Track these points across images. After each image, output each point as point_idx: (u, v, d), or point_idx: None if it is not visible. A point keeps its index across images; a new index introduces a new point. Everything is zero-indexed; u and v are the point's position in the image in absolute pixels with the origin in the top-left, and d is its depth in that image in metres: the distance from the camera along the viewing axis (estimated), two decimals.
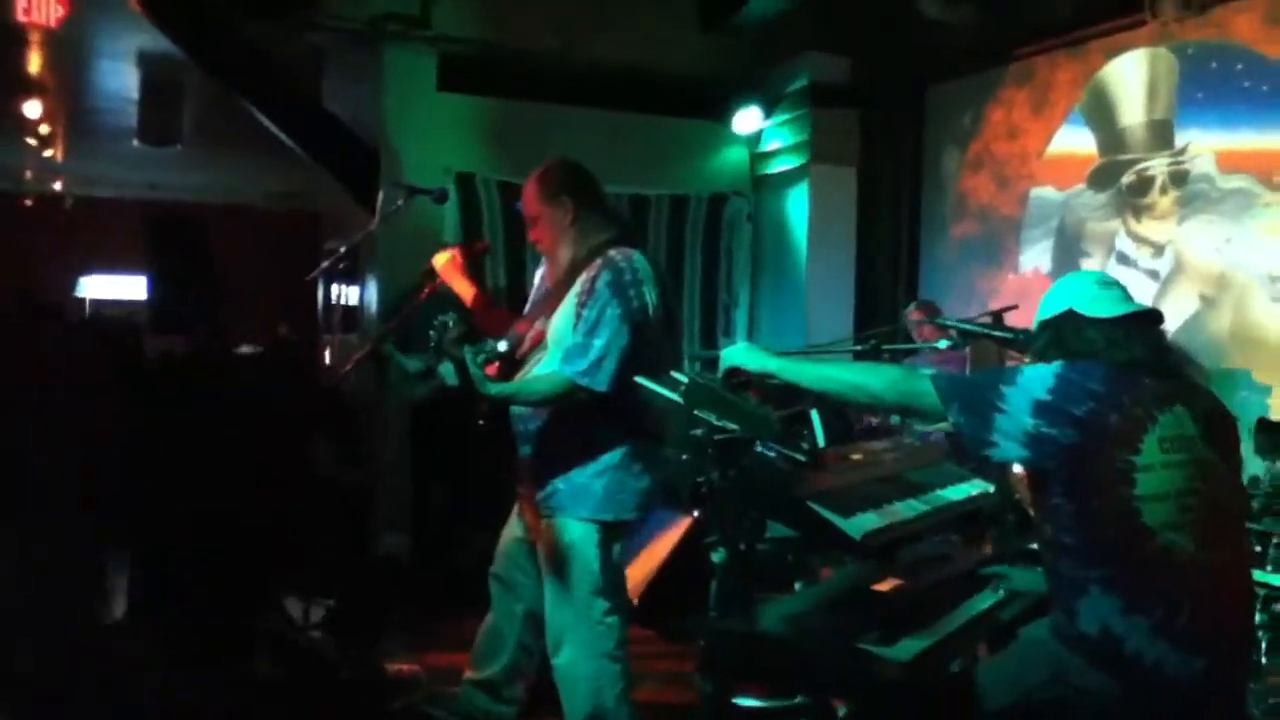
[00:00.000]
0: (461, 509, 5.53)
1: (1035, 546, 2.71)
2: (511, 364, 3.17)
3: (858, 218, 7.13)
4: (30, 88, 7.93)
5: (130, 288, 11.71)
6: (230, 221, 12.38)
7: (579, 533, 3.03)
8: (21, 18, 5.73)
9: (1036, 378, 2.21)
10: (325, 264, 4.74)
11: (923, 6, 5.75)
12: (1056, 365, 2.23)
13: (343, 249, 4.16)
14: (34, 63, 7.33)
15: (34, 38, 6.66)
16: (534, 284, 3.58)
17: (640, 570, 4.72)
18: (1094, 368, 2.22)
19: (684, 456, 2.54)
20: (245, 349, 7.17)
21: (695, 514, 4.84)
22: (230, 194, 12.66)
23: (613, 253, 3.08)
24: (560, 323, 3.08)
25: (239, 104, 6.64)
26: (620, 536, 3.11)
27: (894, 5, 6.00)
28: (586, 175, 3.28)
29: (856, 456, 2.76)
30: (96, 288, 12.64)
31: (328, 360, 6.78)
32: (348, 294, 7.05)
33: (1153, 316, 2.35)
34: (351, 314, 7.09)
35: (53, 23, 5.80)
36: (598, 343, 2.96)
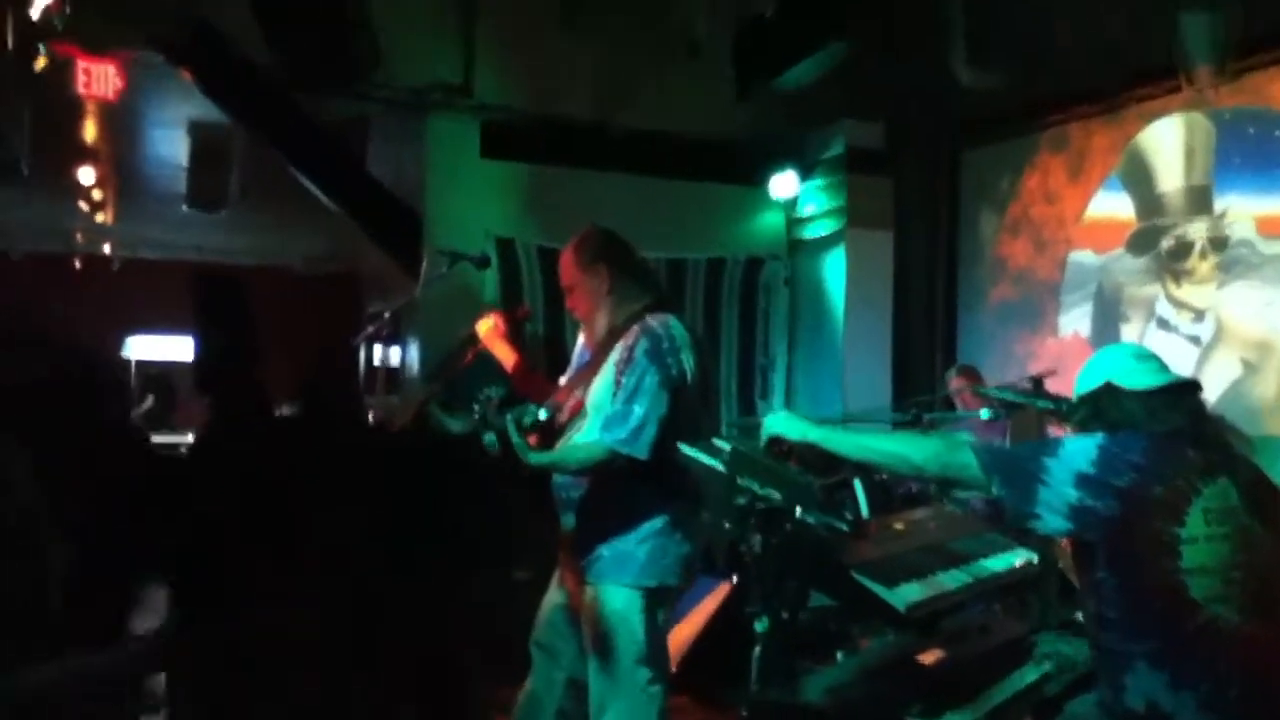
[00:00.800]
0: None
1: (1079, 617, 2.70)
2: (551, 432, 3.21)
3: (894, 282, 7.15)
4: (85, 155, 8.15)
5: (175, 348, 11.90)
6: (272, 283, 12.62)
7: (623, 600, 3.04)
8: (82, 90, 5.92)
9: (1078, 450, 2.22)
10: (371, 328, 4.82)
11: (957, 73, 5.81)
12: (1098, 437, 2.24)
13: (387, 313, 4.23)
14: (90, 131, 7.55)
15: (90, 108, 6.87)
16: (575, 350, 3.62)
17: (680, 635, 4.71)
18: (1135, 439, 2.23)
19: (725, 524, 2.55)
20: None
21: (733, 579, 4.84)
22: (273, 256, 12.89)
23: (650, 319, 3.12)
24: (599, 390, 3.11)
25: (284, 169, 6.79)
26: (664, 603, 3.12)
27: (928, 73, 6.06)
28: (621, 242, 3.32)
29: (899, 525, 2.76)
30: (143, 348, 12.84)
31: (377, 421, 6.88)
32: (389, 356, 7.14)
33: (1191, 386, 2.35)
34: (392, 376, 7.18)
35: (111, 95, 5.99)
36: (637, 410, 2.98)
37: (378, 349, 7.29)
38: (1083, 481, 2.17)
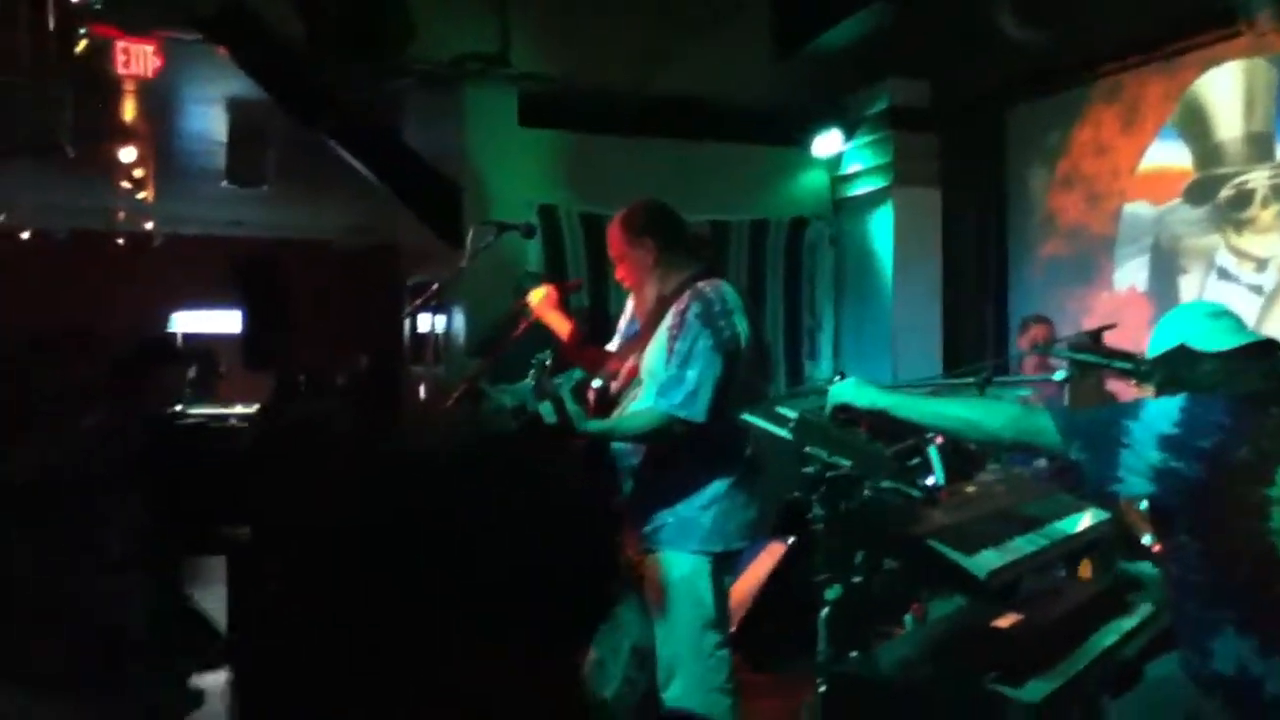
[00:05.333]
0: None
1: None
2: (607, 401, 3.19)
3: (943, 239, 7.03)
4: (125, 134, 8.19)
5: (219, 322, 12.02)
6: (312, 258, 12.68)
7: (689, 566, 3.02)
8: (121, 70, 5.92)
9: (1160, 412, 2.16)
10: (419, 300, 4.81)
11: (1004, 27, 5.68)
12: (1180, 399, 2.18)
13: (435, 285, 4.21)
14: (130, 110, 7.58)
15: (130, 87, 6.88)
16: (624, 316, 3.59)
17: (733, 599, 4.67)
18: (1217, 400, 2.17)
19: (791, 493, 2.51)
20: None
21: (788, 541, 4.78)
22: (312, 230, 12.94)
23: (701, 285, 3.11)
24: (653, 357, 3.09)
25: (322, 143, 6.78)
26: (729, 568, 3.11)
27: (973, 27, 5.93)
28: (669, 214, 3.31)
29: (970, 490, 2.71)
30: (186, 322, 12.99)
31: (421, 394, 6.89)
32: (435, 326, 7.14)
33: (1271, 346, 2.28)
34: (439, 347, 7.19)
35: (150, 73, 5.99)
36: (691, 374, 2.96)
37: (423, 320, 7.28)
38: (1165, 443, 2.11)
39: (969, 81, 6.77)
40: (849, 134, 7.07)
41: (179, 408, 6.21)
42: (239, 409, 7.62)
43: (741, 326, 3.05)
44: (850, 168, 7.28)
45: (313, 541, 0.96)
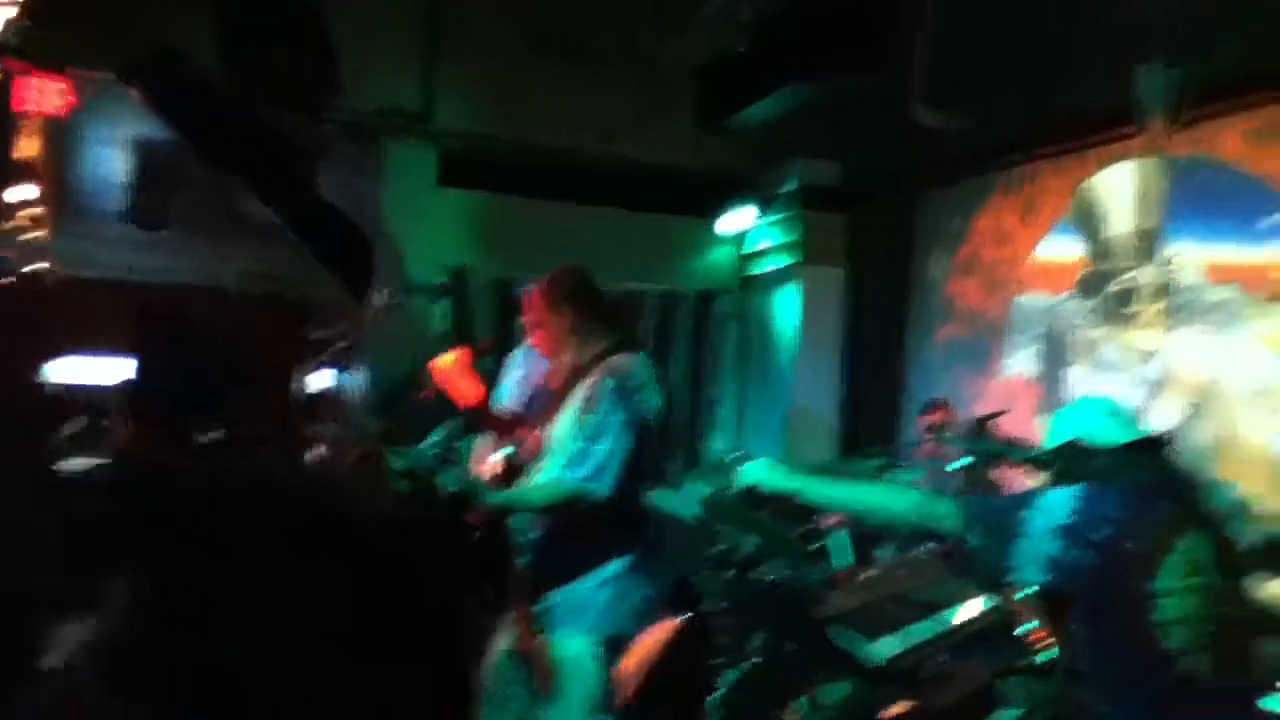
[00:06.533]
0: None
1: (1036, 662, 2.70)
2: (512, 471, 3.16)
3: (845, 319, 7.19)
4: (27, 171, 7.94)
5: (109, 370, 11.57)
6: (213, 306, 12.34)
7: (579, 648, 2.98)
8: (31, 106, 5.76)
9: (1055, 502, 2.23)
10: (322, 355, 4.73)
11: (915, 115, 5.88)
12: (1075, 490, 2.25)
13: (339, 342, 4.14)
14: (34, 147, 7.35)
15: (37, 124, 6.69)
16: (511, 384, 3.60)
17: (623, 679, 4.62)
18: (1110, 493, 2.24)
19: (695, 571, 2.51)
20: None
21: (683, 617, 4.76)
22: (214, 277, 12.63)
23: (616, 358, 3.10)
24: (563, 428, 3.07)
25: (230, 190, 6.66)
26: (620, 651, 3.06)
27: (886, 114, 6.13)
28: (590, 283, 3.32)
29: (870, 574, 2.74)
30: (75, 369, 12.48)
31: (320, 453, 6.72)
32: (336, 383, 7.00)
33: (1162, 440, 2.37)
34: (338, 404, 7.04)
35: (61, 111, 5.84)
36: (600, 448, 2.95)
37: (324, 376, 7.13)
38: (1060, 534, 2.18)
39: (878, 165, 6.98)
40: (760, 211, 7.21)
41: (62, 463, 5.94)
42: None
43: (653, 402, 3.05)
44: (759, 244, 7.42)
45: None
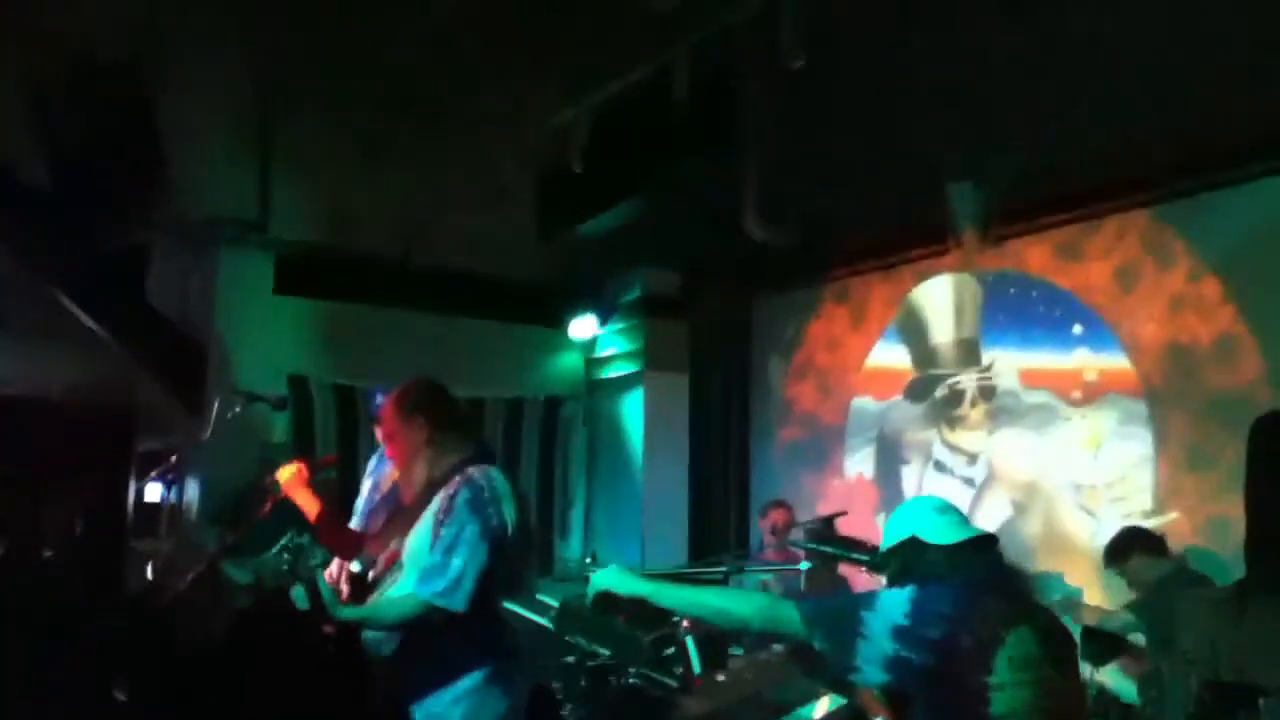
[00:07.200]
0: None
1: None
2: (364, 585, 3.10)
3: (690, 422, 7.33)
4: None
5: None
6: (33, 415, 11.66)
7: None
8: None
9: (892, 602, 2.31)
10: (152, 468, 4.55)
11: (748, 228, 6.13)
12: (910, 590, 2.34)
13: (171, 454, 4.01)
14: None
15: None
16: (364, 494, 3.55)
17: None
18: (943, 591, 2.34)
19: (549, 681, 2.50)
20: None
21: None
22: (35, 387, 11.96)
23: (471, 470, 3.09)
24: (417, 541, 3.03)
25: (52, 296, 6.38)
26: None
27: (721, 226, 6.38)
28: (443, 394, 3.32)
29: (720, 678, 2.78)
30: None
31: (150, 570, 6.38)
32: (166, 494, 6.70)
33: (990, 539, 2.50)
34: (165, 517, 6.73)
35: None
36: (456, 562, 2.92)
37: (154, 489, 6.82)
38: (898, 634, 2.25)
39: (716, 274, 7.23)
40: (604, 318, 7.33)
41: None
42: None
43: (509, 514, 3.04)
44: (605, 351, 7.54)
45: None
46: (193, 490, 6.31)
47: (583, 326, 7.29)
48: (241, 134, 6.36)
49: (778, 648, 3.57)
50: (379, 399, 3.68)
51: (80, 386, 11.73)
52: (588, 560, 2.60)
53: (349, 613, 2.89)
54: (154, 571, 5.97)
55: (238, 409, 3.85)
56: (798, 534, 3.49)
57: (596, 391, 7.63)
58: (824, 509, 5.65)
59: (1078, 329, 5.36)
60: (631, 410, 7.32)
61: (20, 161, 5.44)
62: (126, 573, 7.02)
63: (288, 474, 3.54)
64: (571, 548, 7.36)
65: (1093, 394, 5.24)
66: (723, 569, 2.64)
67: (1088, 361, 5.29)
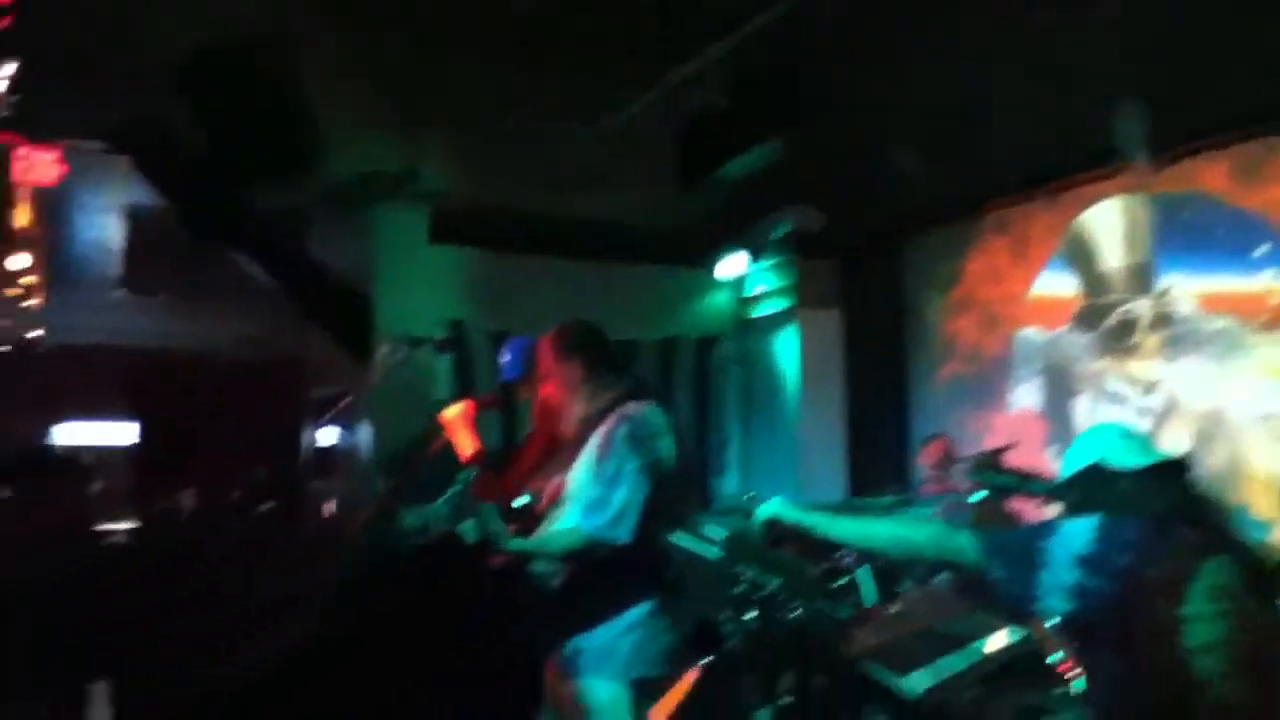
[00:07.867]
0: None
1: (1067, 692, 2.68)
2: (530, 519, 3.16)
3: (846, 358, 7.21)
4: (19, 240, 7.97)
5: (106, 434, 11.54)
6: (210, 370, 12.32)
7: (608, 694, 2.96)
8: (21, 177, 5.80)
9: (1076, 532, 2.22)
10: (325, 414, 4.72)
11: (898, 164, 5.93)
12: (1094, 518, 2.24)
13: (342, 399, 4.14)
14: (25, 218, 7.39)
15: (28, 193, 6.72)
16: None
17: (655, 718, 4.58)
18: (1131, 520, 2.23)
19: (716, 612, 2.50)
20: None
21: (710, 659, 4.72)
22: (210, 341, 12.63)
23: (628, 406, 3.12)
24: (578, 477, 3.08)
25: (222, 253, 6.68)
26: (649, 695, 3.05)
27: (870, 162, 6.19)
28: (597, 334, 3.36)
29: (895, 609, 2.74)
30: (74, 435, 12.45)
31: (327, 511, 6.70)
32: (342, 442, 7.00)
33: (1181, 465, 2.37)
34: (346, 463, 7.03)
35: (52, 181, 5.88)
36: (617, 496, 2.96)
37: (329, 433, 7.13)
38: (1082, 562, 2.16)
39: (866, 212, 7.04)
40: (753, 257, 7.25)
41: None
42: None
43: (667, 449, 3.07)
44: (755, 290, 7.46)
45: None
46: (366, 434, 6.57)
47: (732, 265, 7.23)
48: (387, 94, 6.49)
49: (945, 577, 3.50)
50: (507, 356, 3.72)
51: (255, 339, 12.35)
52: (750, 496, 2.57)
53: (517, 544, 2.96)
54: (331, 512, 6.27)
55: (403, 354, 3.95)
56: (964, 467, 3.38)
57: (749, 330, 7.57)
58: (990, 443, 5.48)
59: (1263, 250, 5.02)
60: (785, 348, 7.25)
61: (186, 129, 5.68)
62: (303, 513, 7.37)
63: (454, 412, 3.63)
64: (728, 486, 7.36)
65: None
66: (885, 502, 2.58)
67: (1275, 285, 4.96)
